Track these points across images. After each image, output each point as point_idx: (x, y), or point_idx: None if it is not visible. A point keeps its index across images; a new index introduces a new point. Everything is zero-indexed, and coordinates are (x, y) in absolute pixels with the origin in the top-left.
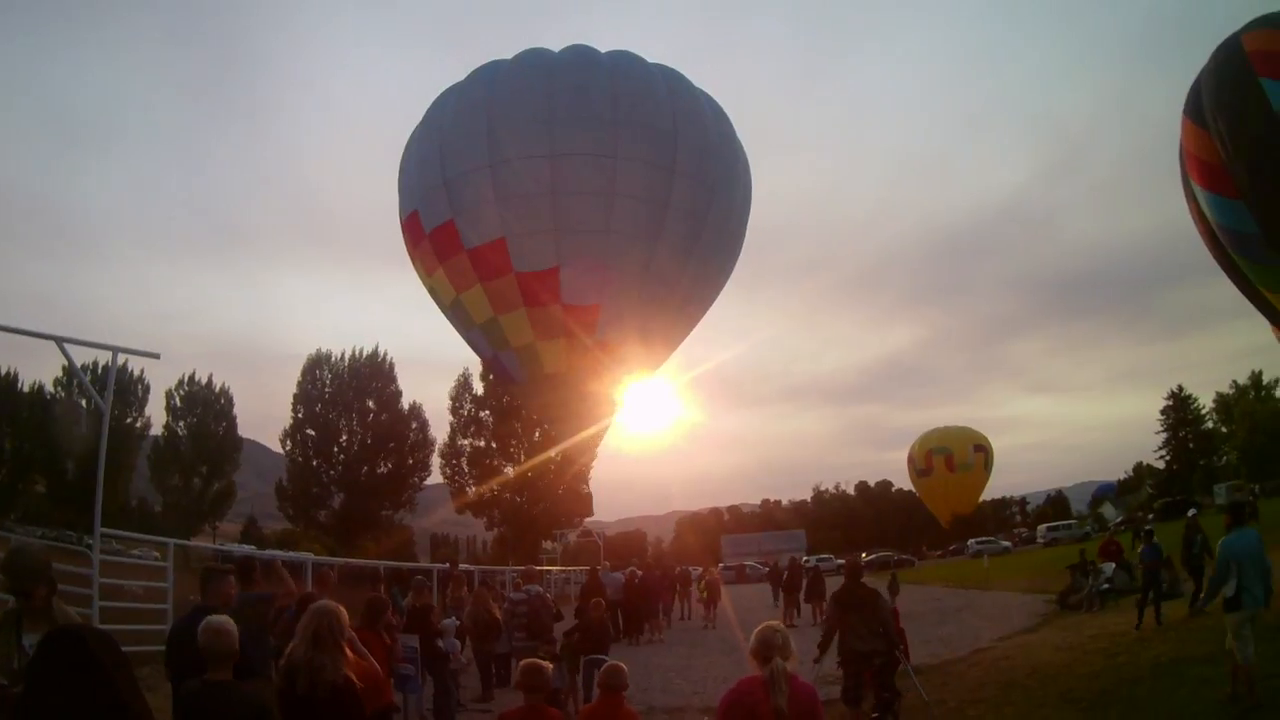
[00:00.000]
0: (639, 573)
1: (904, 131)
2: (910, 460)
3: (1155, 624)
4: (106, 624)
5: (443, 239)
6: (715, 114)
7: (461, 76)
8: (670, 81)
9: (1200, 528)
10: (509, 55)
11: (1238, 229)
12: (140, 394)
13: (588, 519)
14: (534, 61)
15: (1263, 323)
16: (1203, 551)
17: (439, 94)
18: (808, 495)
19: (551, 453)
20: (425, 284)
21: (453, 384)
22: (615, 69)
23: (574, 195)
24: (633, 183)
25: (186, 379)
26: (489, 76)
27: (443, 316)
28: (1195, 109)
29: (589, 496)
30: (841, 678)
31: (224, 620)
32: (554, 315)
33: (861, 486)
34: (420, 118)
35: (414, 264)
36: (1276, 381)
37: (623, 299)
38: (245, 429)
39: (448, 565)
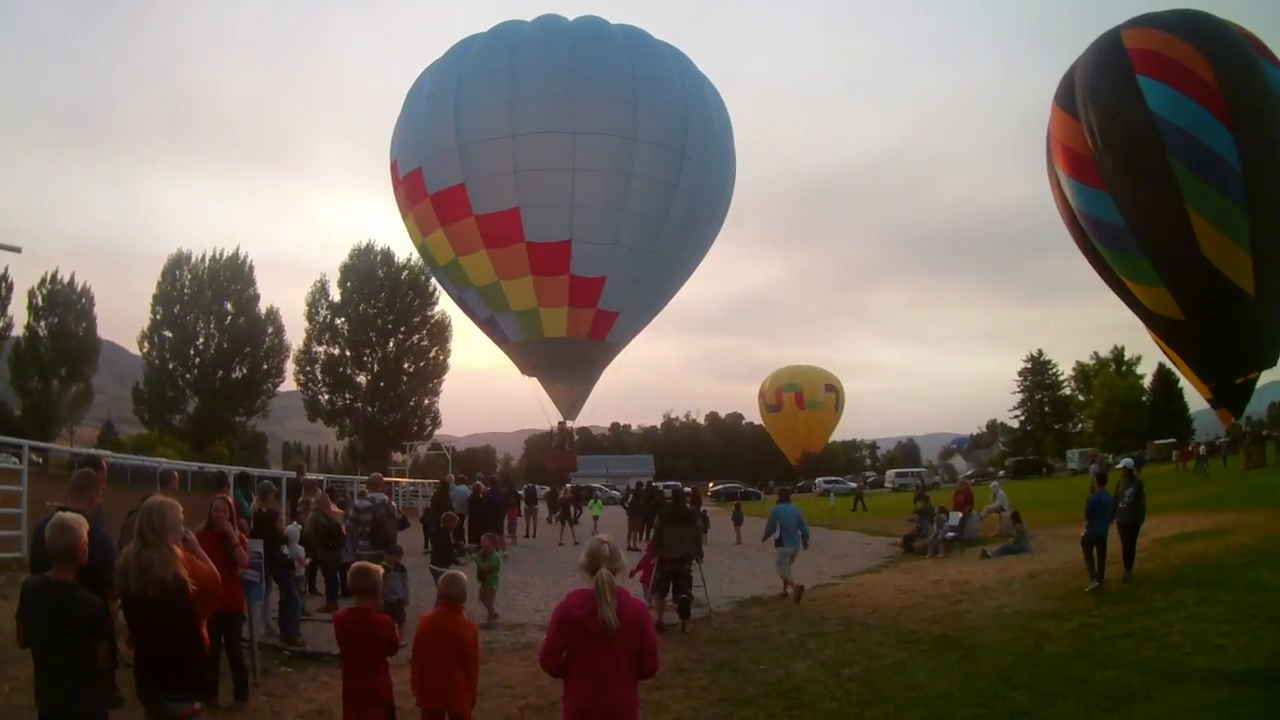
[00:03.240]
0: (484, 486)
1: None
2: (761, 395)
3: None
4: None
5: (449, 202)
6: (716, 100)
7: None
8: (680, 66)
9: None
10: None
11: (1101, 218)
12: (4, 293)
13: (438, 433)
14: (554, 34)
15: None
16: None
17: (454, 44)
18: (658, 422)
19: (559, 429)
20: (415, 241)
21: (310, 289)
22: (632, 50)
23: (593, 173)
24: (649, 165)
25: (49, 277)
26: (509, 42)
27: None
28: (1067, 97)
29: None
30: (657, 575)
31: (71, 518)
32: (561, 284)
33: (712, 417)
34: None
35: (404, 218)
36: (1139, 359)
37: (627, 272)
38: (106, 331)
39: (295, 473)
